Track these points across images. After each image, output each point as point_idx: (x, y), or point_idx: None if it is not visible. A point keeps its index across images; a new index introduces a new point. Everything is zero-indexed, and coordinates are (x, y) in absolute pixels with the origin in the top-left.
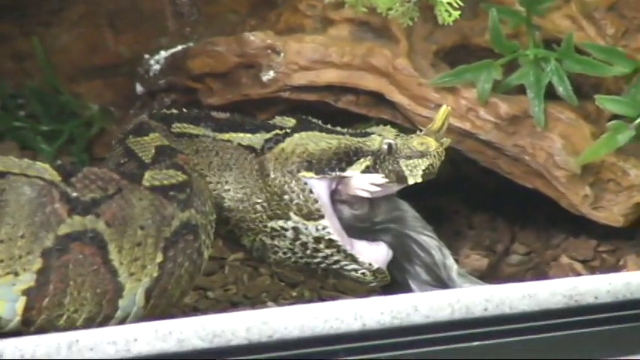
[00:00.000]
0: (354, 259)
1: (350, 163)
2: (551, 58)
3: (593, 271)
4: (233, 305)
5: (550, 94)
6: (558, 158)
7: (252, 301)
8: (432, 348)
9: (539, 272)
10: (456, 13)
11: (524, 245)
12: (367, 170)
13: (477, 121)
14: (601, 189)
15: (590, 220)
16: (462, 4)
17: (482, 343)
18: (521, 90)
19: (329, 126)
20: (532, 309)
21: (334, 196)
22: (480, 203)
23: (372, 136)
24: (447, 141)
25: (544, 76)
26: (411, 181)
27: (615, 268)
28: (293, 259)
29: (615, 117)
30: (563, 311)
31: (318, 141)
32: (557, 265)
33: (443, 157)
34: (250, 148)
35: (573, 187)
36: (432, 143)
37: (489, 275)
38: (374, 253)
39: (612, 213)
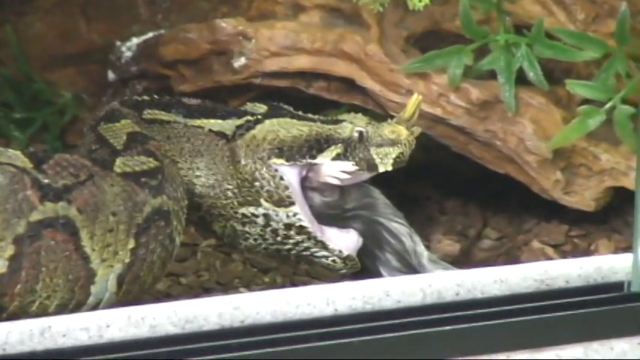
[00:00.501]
0: (324, 246)
1: (321, 151)
2: (521, 43)
3: (564, 255)
4: (206, 291)
5: (521, 80)
6: (529, 143)
7: (225, 287)
8: (404, 333)
9: (510, 257)
10: None
11: (496, 230)
12: (338, 158)
13: (448, 106)
14: (572, 174)
15: (562, 205)
16: None
17: (454, 327)
18: (492, 75)
19: (300, 112)
20: (504, 293)
21: (305, 183)
22: (451, 189)
23: (344, 123)
24: (417, 130)
25: (515, 61)
26: (381, 169)
27: (587, 252)
28: (264, 246)
29: (586, 101)
30: (535, 295)
31: (289, 128)
32: (529, 249)
33: (413, 146)
34: (221, 134)
35: (544, 172)
36: (402, 132)
37: (461, 260)
38: (344, 241)
39: (584, 197)
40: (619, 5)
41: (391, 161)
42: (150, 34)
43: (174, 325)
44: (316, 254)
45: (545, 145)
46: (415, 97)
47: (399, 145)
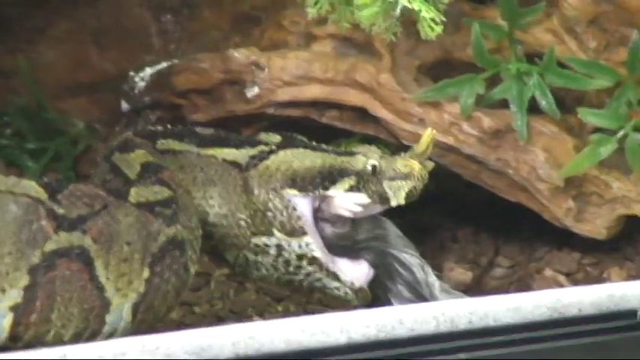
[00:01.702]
0: (336, 277)
1: (334, 182)
2: (533, 72)
3: (576, 283)
4: (219, 320)
5: (533, 108)
6: (541, 171)
7: (239, 315)
8: None
9: (522, 285)
10: (439, 28)
11: (508, 258)
12: (350, 190)
13: (460, 135)
14: (584, 202)
15: (574, 233)
16: (444, 19)
17: (467, 355)
18: (504, 104)
19: (314, 143)
20: (516, 321)
21: (317, 214)
22: (463, 217)
23: (357, 156)
24: (430, 164)
25: (527, 90)
26: (393, 203)
27: (599, 280)
28: (276, 276)
29: (598, 130)
30: (548, 323)
31: (302, 159)
32: (541, 277)
33: (426, 180)
34: (235, 164)
35: (556, 200)
36: (415, 166)
37: (474, 288)
38: (355, 272)
39: (595, 225)
40: (630, 34)
41: (403, 195)
42: (163, 64)
43: (188, 354)
44: (328, 285)
45: (557, 173)
46: (429, 132)
47: (412, 179)
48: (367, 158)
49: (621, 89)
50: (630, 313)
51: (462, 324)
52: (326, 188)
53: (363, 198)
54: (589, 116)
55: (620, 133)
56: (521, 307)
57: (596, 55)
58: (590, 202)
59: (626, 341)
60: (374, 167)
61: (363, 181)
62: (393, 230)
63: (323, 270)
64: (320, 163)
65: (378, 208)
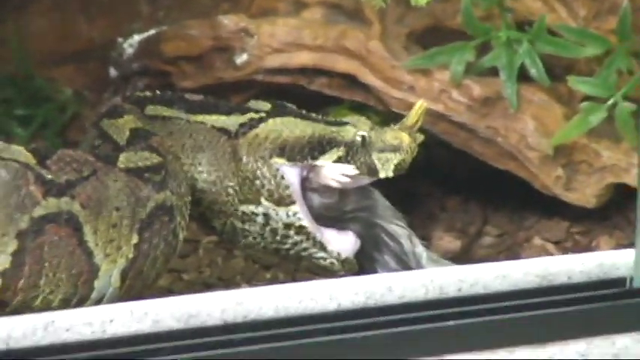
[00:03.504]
0: (322, 247)
1: (322, 152)
2: (523, 39)
3: (565, 252)
4: (207, 287)
5: (523, 76)
6: (531, 140)
7: (227, 283)
8: (407, 328)
9: (511, 254)
10: None
11: (497, 227)
12: (339, 160)
13: (450, 102)
14: (573, 170)
15: (563, 202)
16: None
17: (456, 323)
18: (493, 72)
19: (304, 112)
20: (505, 289)
21: (305, 184)
22: (452, 186)
23: (347, 126)
24: (420, 136)
25: (516, 57)
26: (382, 175)
27: (588, 249)
28: (262, 244)
29: (587, 98)
30: (537, 291)
31: (292, 128)
32: (530, 246)
33: (415, 153)
34: (224, 131)
35: (546, 169)
36: (405, 138)
37: (462, 257)
38: (342, 243)
39: (585, 194)
40: (620, 2)
41: (392, 167)
42: (151, 31)
43: (177, 320)
44: (314, 255)
45: (547, 141)
46: (419, 104)
47: (401, 152)
48: (357, 129)
49: (611, 57)
50: (620, 281)
51: (451, 291)
52: (315, 158)
53: (351, 169)
54: (579, 84)
55: (610, 102)
56: (510, 274)
57: (586, 23)
58: (580, 170)
59: (616, 309)
60: (363, 138)
61: (352, 152)
62: (381, 201)
63: (310, 240)
64: (310, 132)
65: (367, 180)
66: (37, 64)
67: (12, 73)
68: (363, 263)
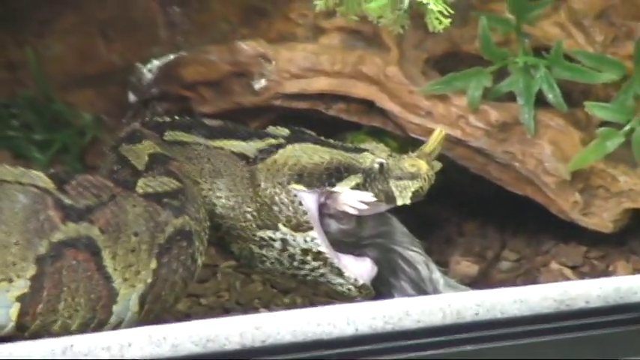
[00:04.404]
0: (339, 273)
1: (340, 179)
2: (540, 65)
3: (582, 276)
4: (226, 311)
5: (540, 101)
6: (548, 165)
7: (245, 307)
8: (424, 352)
9: (529, 278)
10: (447, 21)
11: (515, 252)
12: (357, 187)
13: (468, 128)
14: (590, 195)
15: (580, 227)
16: (452, 11)
17: (473, 347)
18: (511, 97)
19: (322, 138)
20: (523, 313)
21: (322, 210)
22: (470, 210)
23: (365, 153)
24: (437, 164)
25: (534, 83)
26: (399, 202)
27: (605, 273)
28: (280, 270)
29: (604, 123)
30: (555, 316)
31: (310, 154)
32: (547, 271)
33: (433, 181)
34: (242, 156)
35: (563, 194)
36: (422, 166)
37: (480, 282)
38: (359, 269)
39: (602, 219)
40: (637, 27)
41: (410, 195)
42: (170, 56)
43: (195, 345)
44: (332, 281)
45: (564, 166)
46: (437, 132)
47: (419, 179)
48: (375, 156)
49: (628, 83)
50: (637, 306)
51: (468, 316)
52: (332, 184)
53: (368, 196)
54: (596, 110)
55: (627, 127)
56: (528, 299)
57: (604, 48)
58: (597, 195)
59: (633, 334)
60: (381, 166)
61: (370, 179)
62: (398, 227)
63: (327, 265)
64: (328, 159)
65: (384, 207)
66: (57, 88)
67: (31, 97)
68: (379, 289)
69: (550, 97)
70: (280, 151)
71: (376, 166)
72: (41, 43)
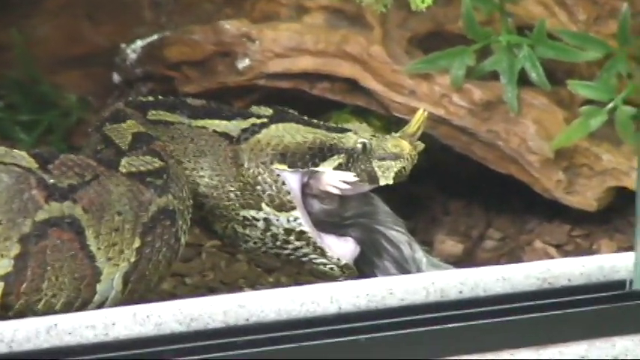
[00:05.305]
0: (322, 253)
1: (323, 159)
2: (524, 44)
3: (566, 255)
4: (210, 291)
5: (523, 80)
6: (532, 143)
7: (230, 287)
8: (408, 331)
9: (513, 257)
10: (429, 0)
11: (499, 231)
12: (340, 167)
13: (451, 107)
14: (574, 174)
15: (564, 205)
16: None
17: (457, 325)
18: (494, 76)
19: (306, 118)
20: (506, 291)
21: (305, 190)
22: (455, 190)
23: (348, 133)
24: (420, 145)
25: (517, 62)
26: (382, 183)
27: (589, 252)
28: (263, 249)
29: (588, 102)
30: (538, 294)
31: (294, 134)
32: (532, 249)
33: (416, 161)
34: (225, 135)
35: (547, 172)
36: (405, 146)
37: (465, 261)
38: (342, 249)
39: (585, 197)
40: (620, 6)
41: (392, 175)
42: (154, 36)
43: (179, 323)
44: (314, 260)
45: (548, 145)
46: (420, 113)
47: (402, 160)
48: (358, 136)
49: (611, 61)
50: (620, 284)
51: (452, 294)
52: (315, 165)
53: (351, 176)
54: (579, 88)
55: (610, 105)
56: (511, 277)
57: (587, 27)
58: (581, 174)
59: (616, 311)
60: (364, 146)
61: (353, 159)
62: (381, 207)
63: (310, 245)
64: (311, 138)
65: (367, 187)
66: (42, 70)
67: (17, 78)
68: (362, 269)
69: (533, 75)
70: (264, 130)
71: (359, 146)
72: (27, 24)
